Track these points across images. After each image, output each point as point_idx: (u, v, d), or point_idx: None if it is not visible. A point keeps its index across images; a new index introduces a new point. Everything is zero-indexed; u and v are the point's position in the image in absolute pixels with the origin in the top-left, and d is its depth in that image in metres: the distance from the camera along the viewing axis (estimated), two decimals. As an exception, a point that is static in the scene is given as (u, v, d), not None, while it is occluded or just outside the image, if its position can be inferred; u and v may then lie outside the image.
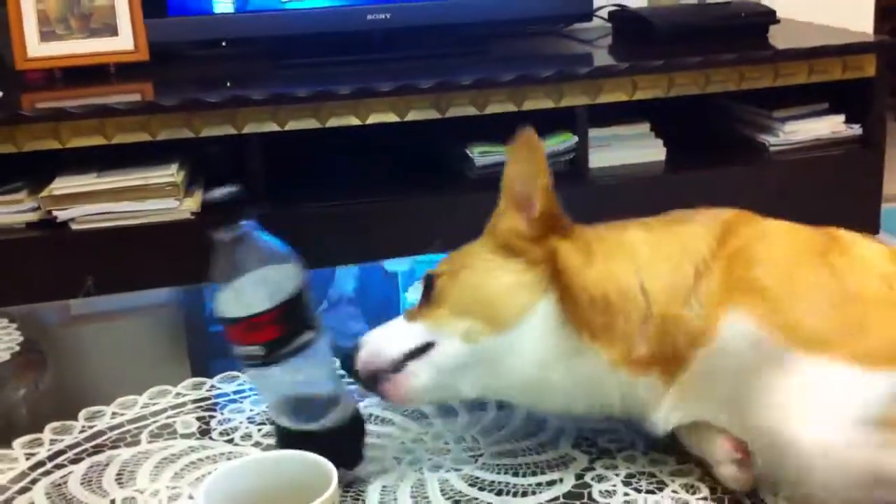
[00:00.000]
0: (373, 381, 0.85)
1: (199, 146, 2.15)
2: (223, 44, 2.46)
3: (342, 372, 0.86)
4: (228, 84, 2.22)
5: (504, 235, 0.85)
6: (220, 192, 0.81)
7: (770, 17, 2.42)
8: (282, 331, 0.79)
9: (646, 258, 0.83)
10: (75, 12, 2.26)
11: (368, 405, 0.95)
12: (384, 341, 0.85)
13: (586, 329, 0.81)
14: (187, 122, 2.07)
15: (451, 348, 0.83)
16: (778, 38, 2.42)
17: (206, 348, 1.24)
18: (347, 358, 0.85)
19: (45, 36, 2.25)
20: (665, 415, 0.82)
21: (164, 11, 2.30)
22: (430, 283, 0.86)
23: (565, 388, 0.83)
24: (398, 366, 0.84)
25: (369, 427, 0.90)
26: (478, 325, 0.82)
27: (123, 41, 2.28)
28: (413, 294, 0.89)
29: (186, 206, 2.08)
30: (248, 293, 0.78)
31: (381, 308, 1.31)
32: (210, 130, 2.09)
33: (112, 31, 2.28)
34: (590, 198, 2.25)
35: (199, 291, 1.40)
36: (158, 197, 2.05)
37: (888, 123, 4.30)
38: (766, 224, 0.86)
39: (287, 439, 0.82)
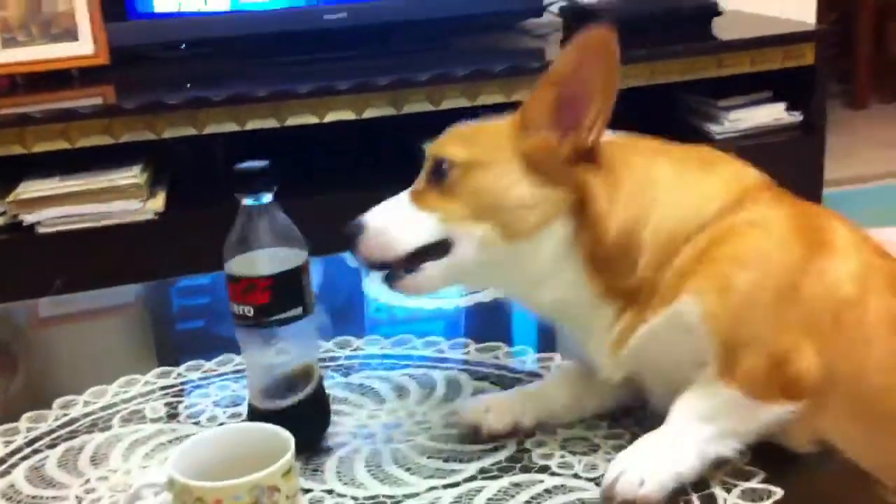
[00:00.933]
0: (378, 266, 0.88)
1: (162, 147, 2.20)
2: (182, 46, 2.51)
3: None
4: (188, 85, 2.27)
5: (532, 150, 0.84)
6: (250, 164, 0.87)
7: (713, 8, 2.50)
8: (273, 298, 0.87)
9: (662, 207, 0.84)
10: (36, 19, 2.30)
11: (328, 385, 1.01)
12: (395, 230, 0.86)
13: (590, 264, 0.85)
14: (149, 124, 2.12)
15: (468, 253, 0.85)
16: (721, 29, 2.51)
17: (173, 341, 1.30)
18: (351, 238, 0.89)
19: (7, 43, 2.28)
20: (605, 357, 0.88)
21: (124, 15, 2.34)
22: (440, 167, 0.86)
23: (546, 299, 0.88)
24: (410, 260, 0.86)
25: (327, 405, 0.96)
26: (494, 233, 0.84)
27: (84, 46, 2.32)
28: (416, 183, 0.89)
29: (150, 207, 2.13)
30: (254, 260, 0.87)
31: (342, 298, 1.37)
32: (172, 132, 2.13)
33: (72, 35, 2.32)
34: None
35: (164, 287, 1.46)
36: (123, 198, 2.10)
37: (838, 110, 4.42)
38: (771, 210, 0.86)
39: (261, 419, 0.89)
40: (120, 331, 1.35)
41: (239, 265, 0.88)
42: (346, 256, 1.46)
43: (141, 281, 1.49)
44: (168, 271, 1.59)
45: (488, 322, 1.21)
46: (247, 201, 0.87)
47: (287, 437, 0.74)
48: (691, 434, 0.83)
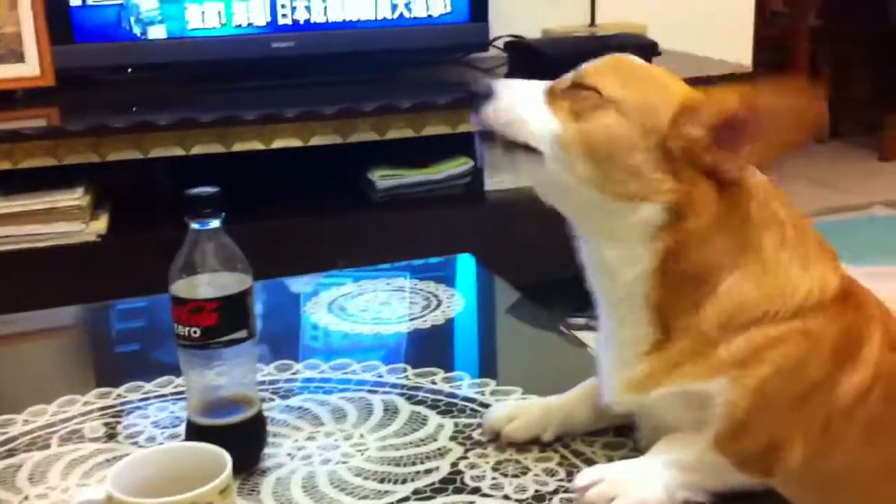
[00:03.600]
0: (483, 130, 0.89)
1: (106, 170, 2.20)
2: (129, 70, 2.51)
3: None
4: (134, 109, 2.28)
5: (681, 141, 0.83)
6: (200, 190, 0.89)
7: (653, 48, 2.57)
8: (219, 321, 0.89)
9: (749, 277, 0.86)
10: (-19, 39, 2.29)
11: (267, 408, 1.03)
12: (522, 116, 0.87)
13: (660, 269, 0.85)
14: (94, 146, 2.12)
15: (559, 177, 0.86)
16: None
17: (112, 362, 1.31)
18: (477, 98, 0.88)
19: (-49, 62, 2.28)
20: (618, 390, 0.91)
21: (71, 38, 2.34)
22: (584, 84, 0.86)
23: (606, 255, 0.88)
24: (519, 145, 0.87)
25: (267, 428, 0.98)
26: (595, 180, 0.85)
27: (30, 67, 2.32)
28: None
29: (93, 229, 2.13)
30: (201, 283, 0.89)
31: (282, 324, 1.38)
32: (116, 155, 2.14)
33: (18, 56, 2.32)
34: (486, 218, 2.38)
35: (104, 310, 1.47)
36: (65, 220, 2.10)
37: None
38: (826, 326, 0.87)
39: (199, 435, 0.91)
40: (59, 352, 1.35)
41: (185, 287, 0.90)
42: (289, 281, 1.48)
43: (82, 303, 1.49)
44: (110, 293, 1.59)
45: (427, 348, 1.24)
46: (195, 225, 0.89)
47: (224, 455, 0.76)
48: (668, 475, 0.87)
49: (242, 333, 0.91)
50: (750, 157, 0.84)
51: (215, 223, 0.90)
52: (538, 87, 0.90)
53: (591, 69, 0.88)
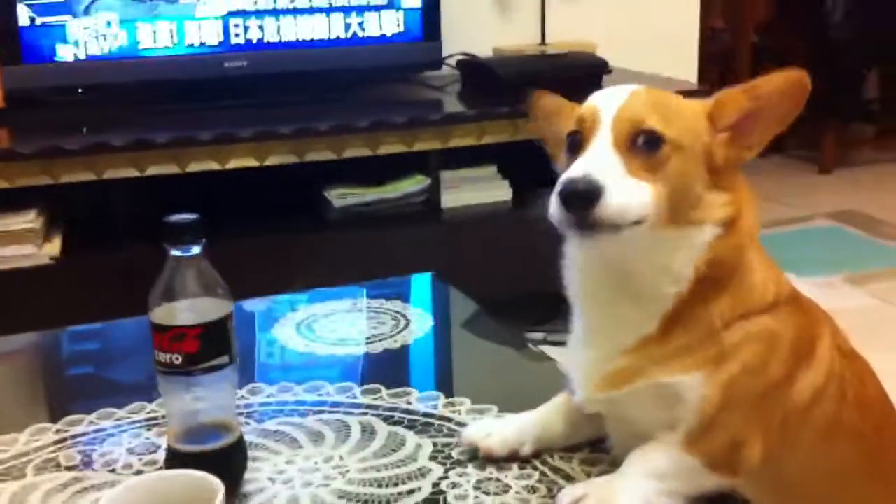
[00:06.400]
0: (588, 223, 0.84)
1: (60, 192, 2.17)
2: (80, 91, 2.48)
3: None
4: (84, 130, 2.25)
5: (718, 147, 0.88)
6: (180, 217, 0.89)
7: (603, 67, 2.62)
8: (201, 347, 0.89)
9: (754, 271, 0.90)
10: (-72, 60, 2.25)
11: (246, 432, 1.03)
12: (627, 199, 0.84)
13: (700, 275, 0.88)
14: (46, 168, 2.09)
15: (648, 229, 0.86)
16: (610, 86, 2.62)
17: (75, 388, 1.29)
18: (586, 197, 0.83)
19: None
20: (590, 389, 0.93)
21: (20, 59, 2.31)
22: (655, 140, 0.85)
23: (655, 282, 0.89)
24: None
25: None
26: (666, 219, 0.86)
27: (-22, 88, 2.28)
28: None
29: (46, 252, 2.10)
30: (181, 309, 0.89)
31: (249, 346, 1.38)
32: (70, 177, 2.12)
33: (-34, 78, 2.28)
34: (443, 235, 2.39)
35: (61, 334, 1.44)
36: (17, 243, 2.07)
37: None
38: (786, 324, 0.91)
39: (179, 461, 0.91)
40: (15, 379, 1.32)
41: (166, 314, 0.89)
42: (251, 303, 1.47)
43: (37, 326, 1.47)
44: (65, 317, 1.57)
45: (399, 368, 1.25)
46: (176, 252, 0.89)
47: (216, 482, 0.76)
48: (646, 485, 0.89)
49: (224, 359, 0.91)
50: (760, 139, 0.90)
51: (196, 249, 0.90)
52: (613, 161, 0.86)
53: (637, 115, 0.86)
